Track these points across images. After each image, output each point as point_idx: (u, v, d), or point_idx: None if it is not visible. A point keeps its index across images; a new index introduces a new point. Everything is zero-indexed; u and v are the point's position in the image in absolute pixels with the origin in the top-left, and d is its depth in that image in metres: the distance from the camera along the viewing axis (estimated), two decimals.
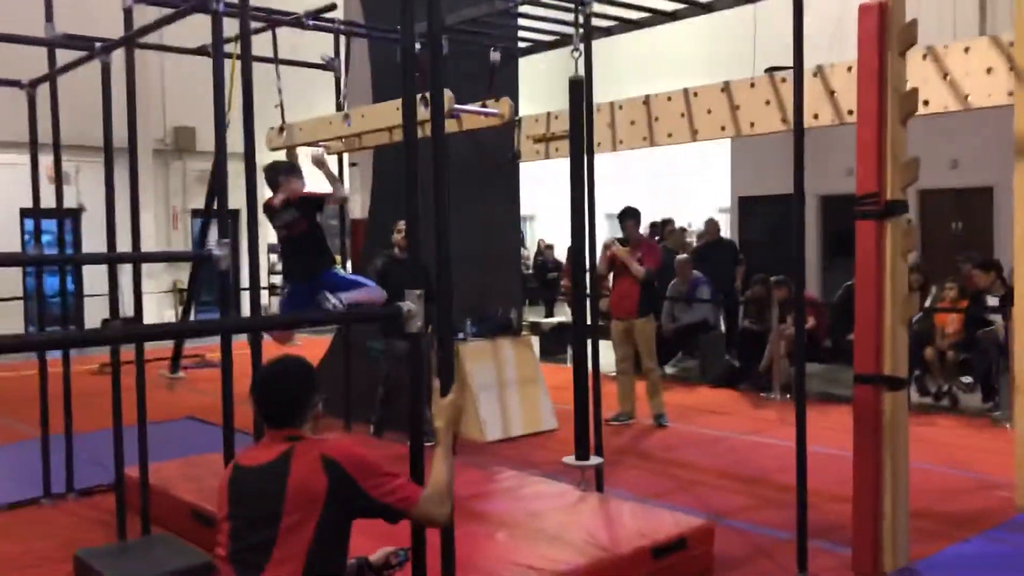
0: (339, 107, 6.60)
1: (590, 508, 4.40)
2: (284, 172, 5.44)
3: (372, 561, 2.80)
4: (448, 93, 5.26)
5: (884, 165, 3.90)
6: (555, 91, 10.90)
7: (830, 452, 5.74)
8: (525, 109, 8.37)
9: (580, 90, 4.61)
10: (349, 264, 9.67)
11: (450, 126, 4.95)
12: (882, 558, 3.95)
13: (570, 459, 4.52)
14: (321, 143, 6.66)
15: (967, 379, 7.70)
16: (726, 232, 16.22)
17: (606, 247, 7.50)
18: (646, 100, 6.90)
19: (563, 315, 14.22)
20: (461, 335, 7.13)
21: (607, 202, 7.39)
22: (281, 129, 6.56)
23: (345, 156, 7.24)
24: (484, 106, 4.87)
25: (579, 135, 4.64)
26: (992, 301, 8.06)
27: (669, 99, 6.70)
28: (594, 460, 4.47)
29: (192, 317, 11.11)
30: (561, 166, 8.48)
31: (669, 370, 10.32)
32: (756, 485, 5.64)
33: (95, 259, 11.58)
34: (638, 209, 7.73)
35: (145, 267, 16.27)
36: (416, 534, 2.76)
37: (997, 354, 7.64)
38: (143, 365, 4.55)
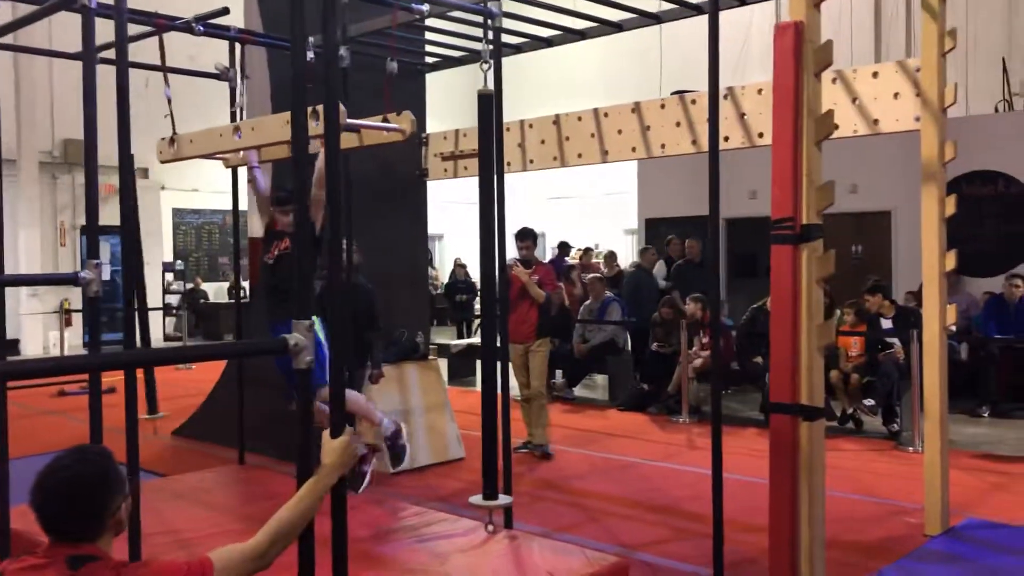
0: (233, 118, 6.23)
1: (498, 548, 4.14)
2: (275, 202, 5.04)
3: None
4: (341, 107, 4.98)
5: (800, 188, 3.80)
6: (463, 109, 10.75)
7: (741, 479, 5.64)
8: (433, 127, 8.15)
9: (490, 104, 4.39)
10: (247, 284, 9.24)
11: (350, 141, 4.66)
12: None
13: (477, 499, 4.26)
14: (216, 155, 6.26)
15: (869, 402, 7.79)
16: (634, 253, 16.31)
17: (508, 268, 7.27)
18: (556, 120, 6.76)
19: (475, 337, 13.98)
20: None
21: (516, 221, 7.20)
22: (172, 140, 6.14)
23: (241, 171, 6.85)
24: (385, 121, 4.60)
25: (488, 150, 4.42)
26: (886, 324, 8.22)
27: (579, 119, 6.58)
28: (503, 500, 4.22)
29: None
30: (471, 185, 8.35)
31: (578, 392, 10.20)
32: (668, 515, 5.49)
33: None
34: (534, 230, 7.50)
35: (30, 287, 15.43)
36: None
37: (897, 376, 7.76)
38: (4, 394, 4.09)
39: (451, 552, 4.08)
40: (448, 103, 12.90)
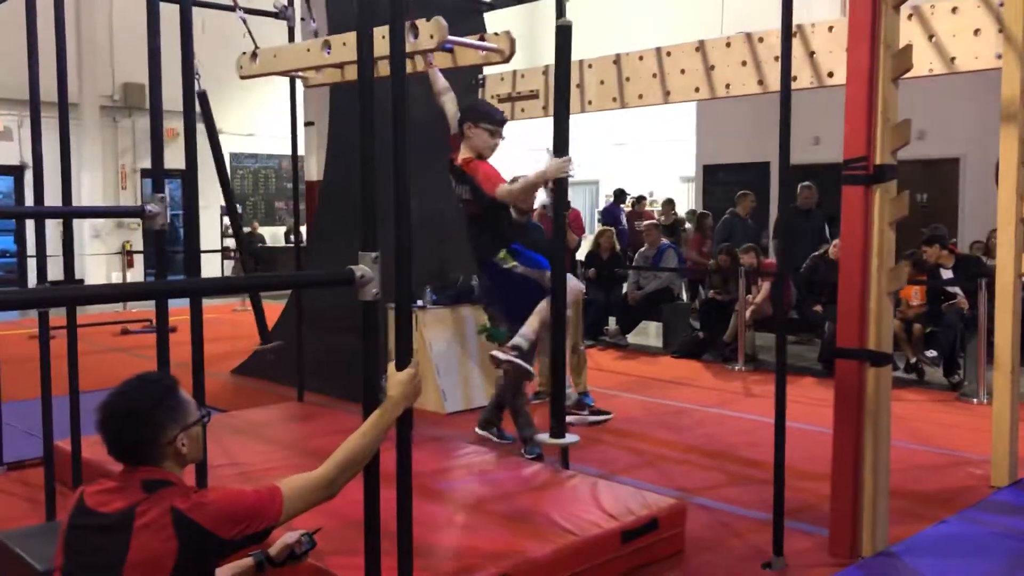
0: None
1: (557, 488, 4.16)
2: (470, 116, 4.58)
3: (272, 555, 2.50)
4: (440, 22, 4.88)
5: (874, 127, 3.67)
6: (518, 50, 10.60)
7: (799, 427, 5.58)
8: (488, 68, 8.04)
9: (568, 36, 4.19)
10: (304, 229, 9.31)
11: (444, 61, 4.53)
12: (860, 541, 3.78)
13: (544, 437, 4.25)
14: (297, 73, 6.25)
15: (932, 353, 7.61)
16: (690, 201, 16.07)
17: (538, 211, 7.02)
18: (616, 59, 6.61)
19: None
20: (420, 303, 6.84)
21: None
22: (254, 55, 6.13)
23: (300, 112, 6.84)
24: (482, 40, 4.45)
25: (564, 84, 4.22)
26: (946, 274, 7.99)
27: (641, 58, 6.42)
28: (570, 438, 4.20)
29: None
30: (527, 128, 8.22)
31: (632, 339, 10.15)
32: (724, 461, 5.46)
33: (20, 214, 11.04)
34: None
35: (92, 228, 15.82)
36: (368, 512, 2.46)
37: (962, 328, 7.56)
38: (75, 329, 4.19)
39: (508, 490, 4.11)
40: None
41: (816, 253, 8.89)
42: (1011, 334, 4.80)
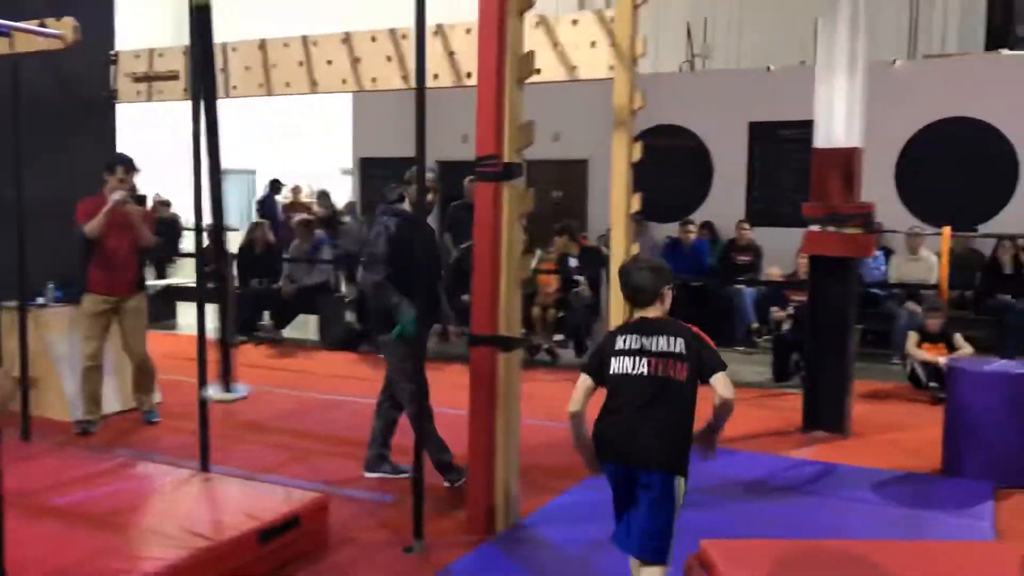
0: None
1: (192, 491, 3.94)
2: None
3: None
4: None
5: (502, 127, 3.89)
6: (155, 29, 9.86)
7: (446, 412, 5.78)
8: (123, 44, 7.40)
9: (207, 17, 3.91)
10: None
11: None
12: (496, 518, 4.01)
13: (214, 392, 3.95)
14: None
15: (559, 337, 8.37)
16: (349, 195, 16.01)
17: (117, 203, 5.67)
18: (262, 44, 6.43)
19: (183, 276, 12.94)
20: (41, 300, 6.13)
21: (225, 158, 6.71)
22: None
23: None
24: (43, 26, 4.01)
25: (208, 71, 3.93)
26: (573, 263, 8.84)
27: (286, 45, 6.30)
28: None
29: None
30: (171, 111, 7.68)
31: (288, 333, 9.94)
32: None
33: None
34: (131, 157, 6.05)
35: None
36: None
37: (587, 312, 8.37)
38: None
39: (142, 498, 3.82)
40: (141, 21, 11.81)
41: (463, 245, 9.31)
42: (623, 315, 5.36)
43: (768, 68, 10.60)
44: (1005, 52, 10.24)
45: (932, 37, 14.25)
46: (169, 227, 15.53)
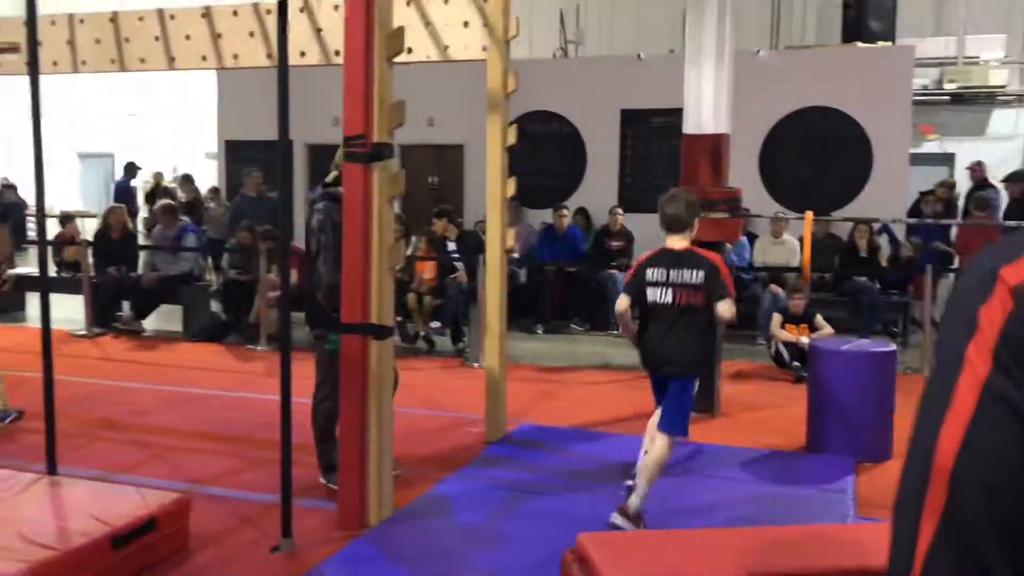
0: None
1: (35, 497, 3.63)
2: None
3: None
4: None
5: (371, 106, 3.74)
6: None
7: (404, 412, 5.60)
8: None
9: None
10: None
11: None
12: (368, 511, 3.88)
13: None
14: None
15: (436, 324, 8.25)
16: (214, 179, 15.38)
17: None
18: (114, 17, 6.01)
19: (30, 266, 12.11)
20: None
21: (84, 140, 6.28)
22: None
23: None
24: None
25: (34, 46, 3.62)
26: (451, 247, 8.74)
27: (141, 19, 5.91)
28: None
29: None
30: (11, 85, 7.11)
31: (149, 324, 9.45)
32: (241, 445, 5.28)
33: None
34: None
35: None
36: None
37: (462, 299, 8.28)
38: None
39: None
40: None
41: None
42: (499, 302, 5.31)
43: (639, 56, 10.74)
44: (860, 44, 10.72)
45: (793, 29, 14.85)
46: (13, 211, 14.55)
